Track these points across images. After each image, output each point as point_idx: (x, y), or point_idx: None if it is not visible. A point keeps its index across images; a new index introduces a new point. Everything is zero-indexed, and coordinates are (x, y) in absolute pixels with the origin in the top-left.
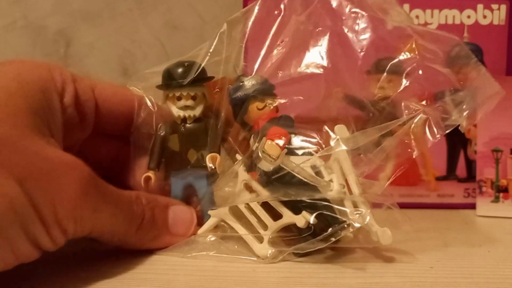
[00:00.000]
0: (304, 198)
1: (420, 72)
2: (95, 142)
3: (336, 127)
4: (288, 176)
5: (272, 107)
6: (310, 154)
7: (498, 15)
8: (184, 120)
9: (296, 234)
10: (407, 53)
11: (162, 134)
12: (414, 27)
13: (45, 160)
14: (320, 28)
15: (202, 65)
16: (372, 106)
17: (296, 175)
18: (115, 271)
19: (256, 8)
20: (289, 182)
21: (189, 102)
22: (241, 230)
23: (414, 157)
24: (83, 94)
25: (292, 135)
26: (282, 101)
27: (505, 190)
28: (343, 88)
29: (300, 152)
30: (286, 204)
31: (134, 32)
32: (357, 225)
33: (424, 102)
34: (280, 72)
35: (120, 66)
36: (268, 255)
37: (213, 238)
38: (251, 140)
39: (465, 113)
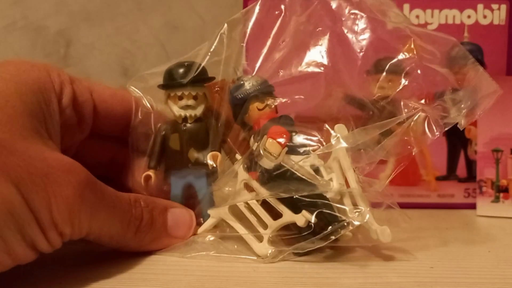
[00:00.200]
0: (305, 193)
1: (419, 72)
2: (93, 143)
3: (336, 126)
4: (289, 172)
5: (272, 108)
6: (309, 153)
7: (498, 15)
8: (185, 119)
9: (296, 233)
10: (406, 53)
11: (162, 133)
12: (412, 28)
13: (42, 162)
14: (320, 29)
15: (202, 65)
16: (372, 105)
17: (296, 173)
18: (115, 271)
19: (257, 8)
20: (290, 178)
21: (191, 102)
22: (241, 230)
23: (413, 154)
24: (81, 96)
25: (293, 134)
26: (283, 100)
27: (505, 190)
28: (343, 87)
29: (301, 150)
30: (286, 203)
31: (134, 33)
32: (356, 223)
33: (423, 101)
34: (281, 71)
35: (120, 66)
36: (268, 254)
37: (212, 238)
38: (251, 140)
39: (463, 112)
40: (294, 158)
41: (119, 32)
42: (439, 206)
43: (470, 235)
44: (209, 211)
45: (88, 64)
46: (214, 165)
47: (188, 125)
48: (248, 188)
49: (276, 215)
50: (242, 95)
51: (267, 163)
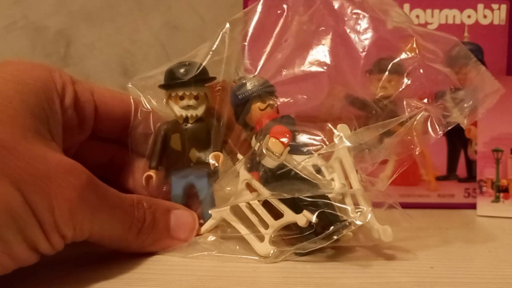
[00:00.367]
0: (307, 194)
1: (421, 71)
2: (91, 145)
3: (339, 126)
4: (291, 172)
5: (273, 108)
6: (310, 153)
7: (498, 15)
8: (186, 119)
9: (297, 232)
10: (408, 53)
11: (162, 133)
12: (413, 28)
13: (43, 164)
14: (323, 28)
15: (203, 64)
16: (375, 105)
17: (299, 173)
18: (115, 272)
19: (259, 8)
20: (292, 178)
21: (192, 102)
22: (243, 230)
23: (416, 153)
24: (83, 96)
25: (296, 133)
26: (285, 100)
27: (505, 190)
28: (345, 87)
29: (303, 150)
30: (287, 203)
31: (134, 33)
32: (359, 222)
33: (425, 101)
34: (284, 70)
35: (120, 66)
36: (270, 254)
37: (213, 238)
38: (253, 140)
39: (465, 111)
40: (296, 157)
41: (119, 32)
42: (439, 206)
43: (470, 235)
44: (211, 211)
45: (88, 64)
46: (216, 165)
47: (190, 125)
48: (250, 188)
49: (277, 215)
50: (244, 95)
51: (270, 162)
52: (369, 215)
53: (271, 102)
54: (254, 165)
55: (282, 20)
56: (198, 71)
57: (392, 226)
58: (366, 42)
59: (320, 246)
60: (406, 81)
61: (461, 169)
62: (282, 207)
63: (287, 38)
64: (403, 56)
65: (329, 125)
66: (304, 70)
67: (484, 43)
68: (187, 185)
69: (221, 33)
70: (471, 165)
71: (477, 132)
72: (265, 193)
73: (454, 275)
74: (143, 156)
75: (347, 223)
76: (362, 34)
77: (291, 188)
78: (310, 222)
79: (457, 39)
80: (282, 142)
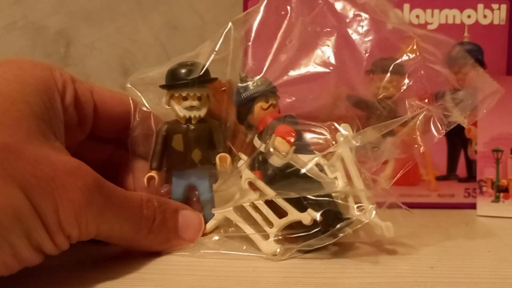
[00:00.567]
0: (315, 193)
1: (422, 72)
2: (90, 144)
3: (341, 126)
4: (296, 170)
5: (275, 107)
6: (314, 152)
7: (498, 15)
8: (188, 120)
9: (302, 231)
10: (409, 54)
11: (164, 133)
12: (413, 30)
13: (48, 166)
14: (328, 29)
15: (207, 65)
16: (379, 105)
17: (308, 173)
18: (115, 271)
19: (261, 9)
20: (297, 176)
21: (195, 103)
22: (248, 229)
23: (421, 151)
24: (83, 95)
25: (300, 133)
26: (289, 100)
27: (505, 190)
28: (348, 88)
29: (307, 149)
30: (291, 201)
31: (134, 32)
32: (364, 220)
33: (426, 101)
34: (289, 71)
35: (120, 66)
36: (277, 252)
37: (217, 238)
38: (255, 139)
39: (465, 111)
40: (302, 157)
41: (119, 32)
42: (439, 206)
43: (470, 235)
44: (213, 211)
45: (88, 64)
46: (225, 166)
47: (193, 126)
48: (252, 186)
49: (280, 213)
50: (247, 95)
51: (277, 161)
52: (373, 212)
53: (273, 101)
54: (257, 164)
55: (286, 21)
56: (202, 71)
57: (393, 224)
58: (369, 44)
59: (326, 244)
60: (407, 81)
61: (461, 169)
62: (286, 206)
63: (292, 39)
64: (404, 57)
65: (335, 124)
66: (308, 70)
67: (484, 43)
68: (187, 186)
69: (224, 33)
70: (471, 165)
71: (477, 132)
72: (270, 192)
73: (454, 275)
74: (143, 157)
75: (352, 221)
76: (365, 36)
77: (298, 187)
78: (315, 221)
79: (454, 41)
80: (288, 141)
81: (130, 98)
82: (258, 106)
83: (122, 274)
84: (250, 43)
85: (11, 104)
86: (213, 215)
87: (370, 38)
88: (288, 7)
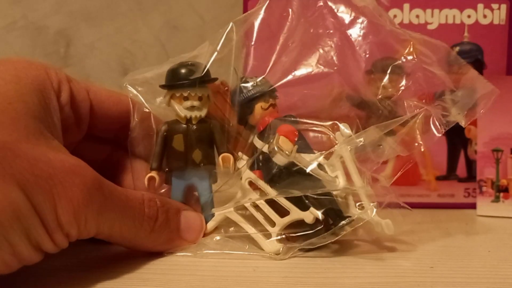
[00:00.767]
0: (319, 192)
1: (419, 73)
2: (87, 144)
3: (341, 125)
4: (303, 170)
5: (275, 107)
6: (314, 152)
7: (498, 15)
8: (189, 120)
9: (306, 229)
10: (407, 56)
11: (164, 134)
12: (409, 33)
13: (47, 164)
14: (330, 31)
15: (208, 66)
16: (379, 104)
17: (312, 173)
18: (115, 271)
19: (262, 10)
20: (298, 175)
21: (196, 103)
22: (250, 229)
23: (422, 150)
24: (78, 95)
25: (301, 132)
26: (292, 100)
27: (505, 190)
28: (348, 88)
29: (310, 148)
30: (292, 200)
31: (134, 32)
32: (365, 218)
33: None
34: (292, 71)
35: (120, 66)
36: (280, 250)
37: (218, 238)
38: (255, 139)
39: (463, 111)
40: (304, 156)
41: (119, 32)
42: (439, 206)
43: (470, 235)
44: (214, 211)
45: (88, 64)
46: (228, 167)
47: (194, 126)
48: (253, 186)
49: (281, 212)
50: (247, 95)
51: (280, 160)
52: (374, 211)
53: (273, 102)
54: (260, 164)
55: (287, 23)
56: (204, 71)
57: (392, 222)
58: (368, 45)
59: (329, 242)
60: (405, 82)
61: (461, 169)
62: (288, 205)
63: (294, 40)
64: (402, 58)
65: (338, 123)
66: (308, 72)
67: (484, 43)
68: (187, 187)
69: (225, 33)
70: (471, 165)
71: (477, 132)
72: (271, 191)
73: (454, 275)
74: (142, 157)
75: (353, 219)
76: (364, 37)
77: (303, 186)
78: (317, 219)
79: (446, 45)
80: (291, 140)
81: (129, 98)
82: (258, 106)
83: (122, 274)
84: (253, 43)
85: (8, 103)
86: (213, 215)
87: (369, 40)
88: (290, 9)
